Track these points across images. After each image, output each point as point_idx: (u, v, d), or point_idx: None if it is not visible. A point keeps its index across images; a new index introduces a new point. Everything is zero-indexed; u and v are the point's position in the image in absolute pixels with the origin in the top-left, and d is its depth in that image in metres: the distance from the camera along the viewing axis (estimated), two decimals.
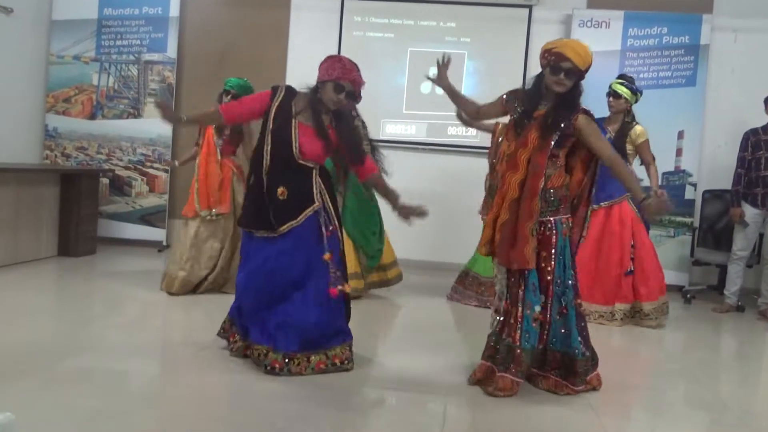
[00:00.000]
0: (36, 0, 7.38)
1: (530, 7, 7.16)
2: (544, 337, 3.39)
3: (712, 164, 6.98)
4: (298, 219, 3.43)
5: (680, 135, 6.88)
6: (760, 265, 6.22)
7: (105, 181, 7.43)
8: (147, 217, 7.50)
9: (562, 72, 3.29)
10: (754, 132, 5.99)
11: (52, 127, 7.58)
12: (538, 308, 3.34)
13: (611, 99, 5.22)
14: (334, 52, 7.37)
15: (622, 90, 5.21)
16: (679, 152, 6.89)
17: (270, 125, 3.45)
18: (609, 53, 6.98)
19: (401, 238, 7.25)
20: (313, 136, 3.46)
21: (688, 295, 6.45)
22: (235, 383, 3.28)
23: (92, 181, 6.88)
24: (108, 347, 3.74)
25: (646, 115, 6.81)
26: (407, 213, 3.59)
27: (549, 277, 3.36)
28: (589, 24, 6.98)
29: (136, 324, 4.47)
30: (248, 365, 3.53)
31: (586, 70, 3.34)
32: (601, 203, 5.17)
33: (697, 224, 6.85)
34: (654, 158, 5.25)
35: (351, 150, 3.61)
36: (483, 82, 7.21)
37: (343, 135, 3.55)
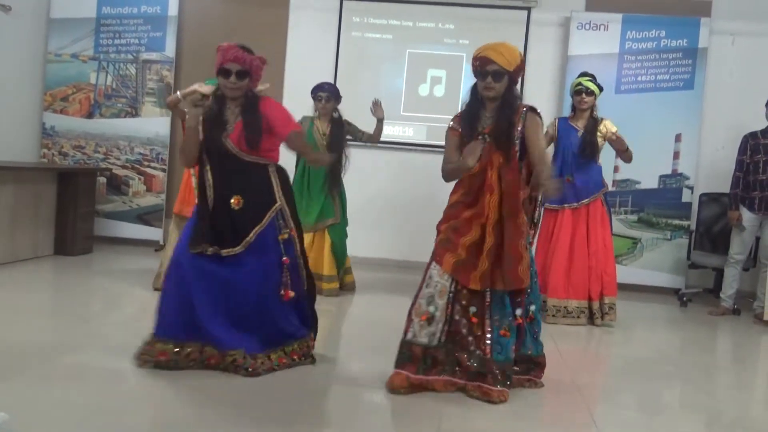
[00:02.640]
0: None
1: (529, 10, 7.18)
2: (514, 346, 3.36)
3: (709, 167, 6.99)
4: (263, 223, 3.36)
5: (678, 138, 6.90)
6: (756, 269, 6.23)
7: (102, 180, 7.43)
8: (144, 216, 7.50)
9: (488, 76, 3.28)
10: (753, 135, 6.00)
11: (50, 125, 7.57)
12: (507, 321, 3.26)
13: (584, 96, 5.27)
14: (333, 52, 7.39)
15: (594, 88, 5.29)
16: (676, 155, 6.90)
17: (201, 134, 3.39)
18: (607, 56, 6.99)
19: (399, 240, 7.27)
20: (241, 131, 3.35)
21: (684, 298, 6.47)
22: (233, 382, 3.27)
23: (89, 180, 6.87)
24: (104, 345, 3.74)
25: (644, 118, 6.87)
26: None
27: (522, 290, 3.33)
28: (587, 26, 7.00)
29: (132, 322, 4.46)
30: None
31: (517, 71, 3.34)
32: (574, 203, 5.28)
33: (693, 227, 6.87)
34: None
35: (247, 134, 3.35)
36: None
37: (246, 124, 3.35)
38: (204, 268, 3.30)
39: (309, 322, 3.64)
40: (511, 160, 3.30)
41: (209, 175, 3.36)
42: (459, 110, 3.53)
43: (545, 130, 5.48)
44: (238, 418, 2.84)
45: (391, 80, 7.46)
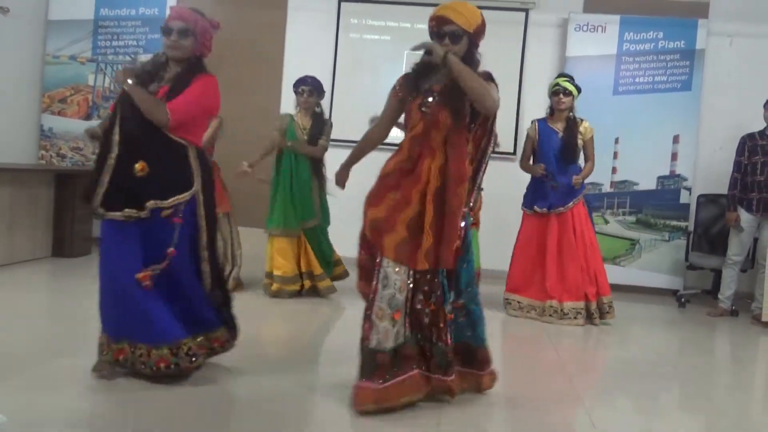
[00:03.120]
0: (32, 0, 7.37)
1: (527, 11, 7.18)
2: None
3: (707, 168, 6.98)
4: (168, 202, 3.05)
5: (675, 139, 6.90)
6: (754, 270, 6.23)
7: None
8: None
9: (445, 37, 2.98)
10: (750, 137, 6.01)
11: (48, 127, 7.55)
12: (449, 307, 3.04)
13: (562, 96, 5.27)
14: (331, 53, 7.38)
15: (572, 88, 5.29)
16: (674, 156, 6.90)
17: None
18: (605, 57, 6.99)
19: None
20: (162, 97, 3.07)
21: (683, 299, 6.46)
22: (230, 385, 3.27)
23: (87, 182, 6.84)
24: None
25: (641, 120, 6.87)
26: None
27: (459, 273, 3.10)
28: (585, 28, 6.99)
29: None
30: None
31: (477, 33, 3.03)
32: (560, 208, 5.29)
33: (691, 228, 6.87)
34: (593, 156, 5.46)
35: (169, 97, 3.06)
36: None
37: (169, 91, 3.08)
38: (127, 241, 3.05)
39: (224, 319, 3.38)
40: (460, 122, 2.99)
41: (118, 128, 3.02)
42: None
43: (526, 134, 5.62)
44: (239, 420, 2.83)
45: (389, 81, 7.21)
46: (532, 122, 5.56)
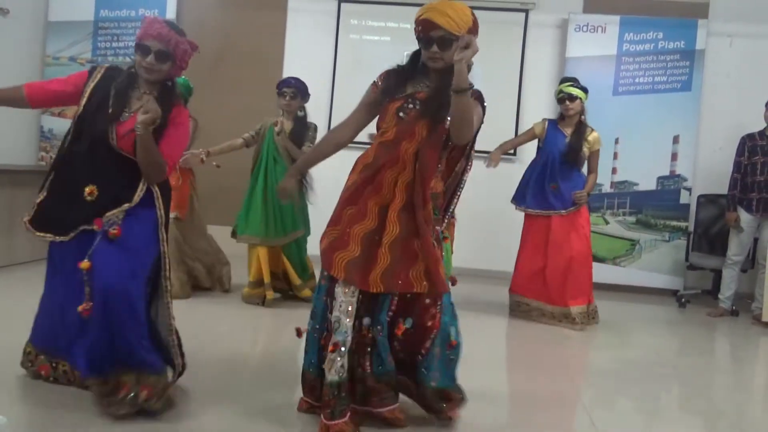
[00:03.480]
0: (32, 1, 7.36)
1: (526, 12, 7.17)
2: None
3: (707, 169, 6.98)
4: (110, 214, 2.73)
5: (675, 140, 6.89)
6: (754, 270, 6.22)
7: None
8: None
9: (433, 43, 2.65)
10: (750, 137, 6.00)
11: (48, 128, 7.55)
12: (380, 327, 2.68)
13: (568, 103, 5.13)
14: (331, 54, 7.38)
15: (577, 92, 5.15)
16: (674, 157, 6.89)
17: (79, 110, 2.81)
18: (605, 58, 6.98)
19: None
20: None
21: (683, 300, 6.45)
22: (225, 391, 3.25)
23: None
24: None
25: (641, 120, 6.86)
26: None
27: (421, 297, 2.70)
28: (585, 29, 6.99)
29: None
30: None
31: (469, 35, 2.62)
32: (561, 211, 5.18)
33: (691, 229, 6.86)
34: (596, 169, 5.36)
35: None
36: (478, 86, 7.18)
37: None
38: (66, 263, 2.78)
39: (167, 356, 2.90)
40: (436, 138, 2.68)
41: (70, 155, 2.79)
42: None
43: (531, 127, 5.46)
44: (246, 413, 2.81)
45: None
46: (543, 119, 5.42)
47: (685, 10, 7.05)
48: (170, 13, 7.34)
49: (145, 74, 2.81)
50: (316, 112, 5.57)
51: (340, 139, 2.94)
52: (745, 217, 5.92)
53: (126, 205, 2.72)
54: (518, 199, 5.42)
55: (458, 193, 2.94)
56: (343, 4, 7.41)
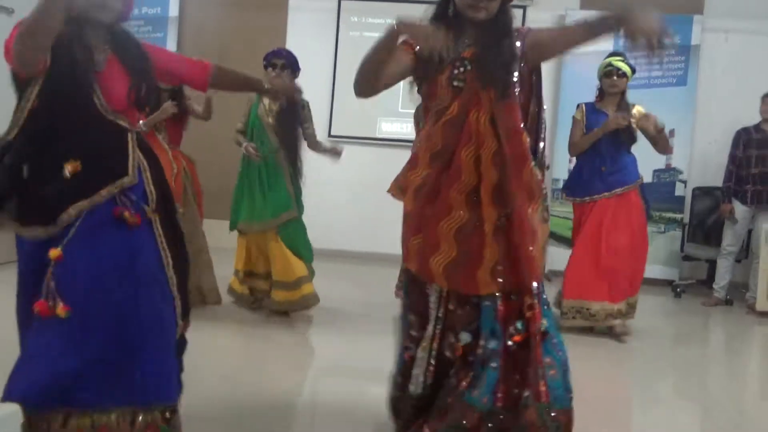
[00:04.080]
0: (36, 0, 7.39)
1: (524, 8, 7.23)
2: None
3: (702, 162, 7.05)
4: (93, 198, 2.14)
5: (671, 133, 6.90)
6: (748, 260, 6.31)
7: None
8: None
9: None
10: (745, 131, 6.09)
11: None
12: (493, 343, 2.21)
13: (615, 78, 4.64)
14: (331, 51, 7.43)
15: (626, 68, 4.65)
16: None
17: (40, 80, 2.15)
18: (602, 53, 6.99)
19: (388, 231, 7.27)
20: (120, 74, 2.23)
21: (678, 290, 6.53)
22: (219, 401, 3.09)
23: None
24: None
25: None
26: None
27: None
28: None
29: None
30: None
31: None
32: (605, 193, 4.65)
33: (687, 220, 6.93)
34: None
35: (135, 81, 2.24)
36: None
37: (125, 61, 2.24)
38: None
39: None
40: (508, 96, 2.20)
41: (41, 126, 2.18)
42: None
43: (573, 117, 4.84)
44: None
45: None
46: (578, 106, 4.91)
47: (680, 6, 7.09)
48: (172, 13, 7.41)
49: (98, 13, 2.16)
50: (317, 110, 5.59)
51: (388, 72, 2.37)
52: (739, 209, 5.99)
53: (126, 179, 2.20)
54: (576, 194, 4.84)
55: (543, 137, 2.35)
56: (343, 2, 7.47)
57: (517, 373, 2.17)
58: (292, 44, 7.50)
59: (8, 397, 2.01)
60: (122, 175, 2.19)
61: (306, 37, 7.50)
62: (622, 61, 4.67)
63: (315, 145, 4.65)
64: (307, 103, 4.56)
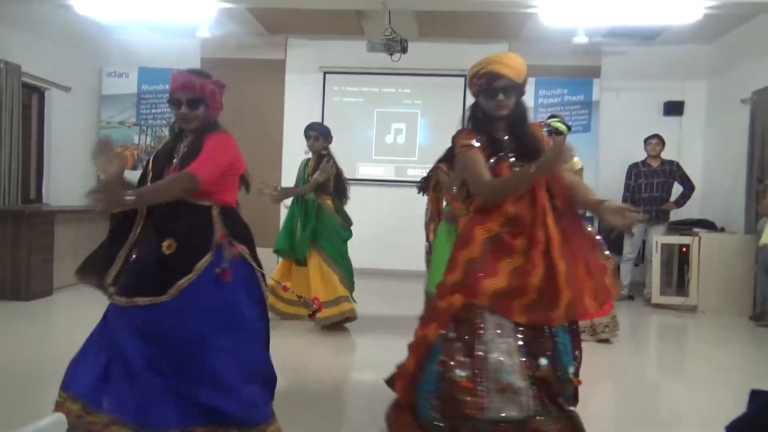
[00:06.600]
0: (89, 79, 7.32)
1: (465, 77, 7.26)
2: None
3: (606, 190, 7.00)
4: (189, 277, 2.08)
5: (581, 171, 6.99)
6: (644, 264, 6.39)
7: None
8: None
9: (499, 93, 2.11)
10: (635, 165, 6.24)
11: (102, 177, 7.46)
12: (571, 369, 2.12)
13: (554, 136, 4.42)
14: (319, 113, 7.42)
15: (563, 127, 4.47)
16: None
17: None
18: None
19: (384, 250, 7.20)
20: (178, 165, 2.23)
21: None
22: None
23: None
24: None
25: None
26: None
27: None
28: None
29: None
30: None
31: (524, 83, 2.18)
32: None
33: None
34: None
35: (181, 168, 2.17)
36: (431, 132, 7.36)
37: (182, 157, 2.22)
38: (134, 321, 2.07)
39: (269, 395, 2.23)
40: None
41: (144, 208, 2.18)
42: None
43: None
44: None
45: (363, 132, 7.54)
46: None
47: (584, 71, 7.23)
48: None
49: (184, 124, 2.25)
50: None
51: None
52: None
53: (207, 257, 2.10)
54: None
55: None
56: (327, 75, 7.53)
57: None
58: (289, 105, 7.55)
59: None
60: (208, 250, 2.13)
61: (299, 101, 7.56)
62: (560, 121, 4.53)
63: (312, 190, 4.57)
64: (329, 158, 4.58)
